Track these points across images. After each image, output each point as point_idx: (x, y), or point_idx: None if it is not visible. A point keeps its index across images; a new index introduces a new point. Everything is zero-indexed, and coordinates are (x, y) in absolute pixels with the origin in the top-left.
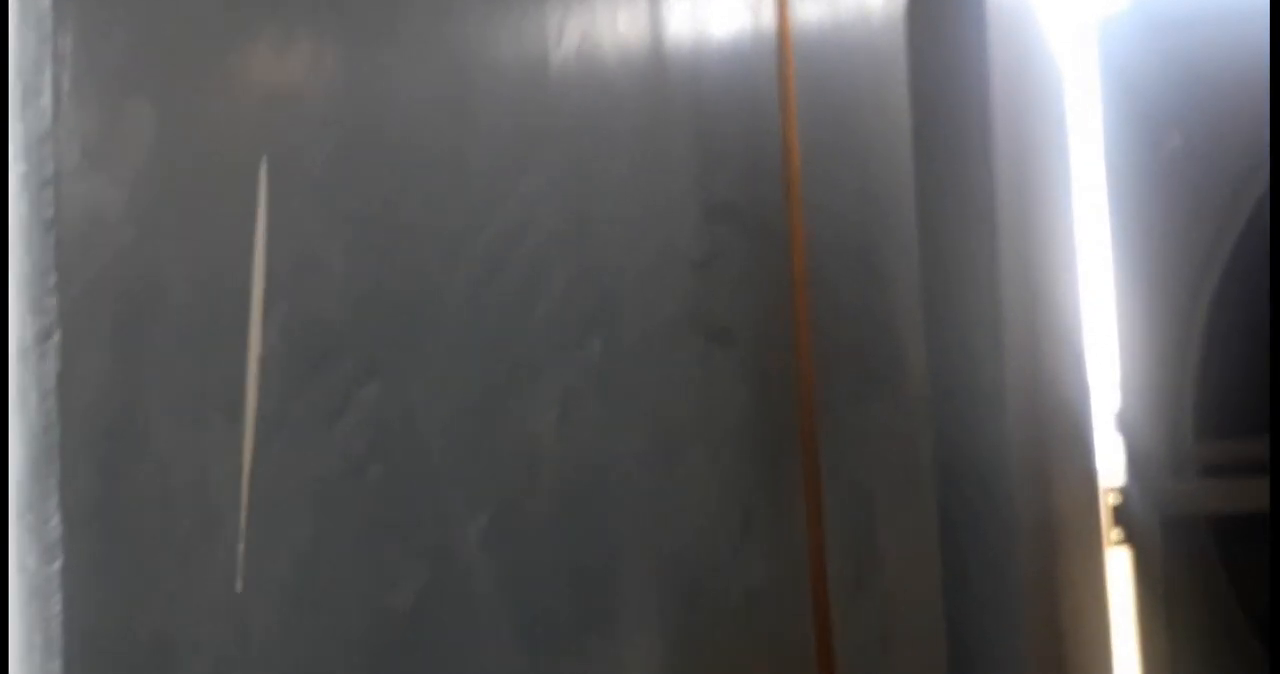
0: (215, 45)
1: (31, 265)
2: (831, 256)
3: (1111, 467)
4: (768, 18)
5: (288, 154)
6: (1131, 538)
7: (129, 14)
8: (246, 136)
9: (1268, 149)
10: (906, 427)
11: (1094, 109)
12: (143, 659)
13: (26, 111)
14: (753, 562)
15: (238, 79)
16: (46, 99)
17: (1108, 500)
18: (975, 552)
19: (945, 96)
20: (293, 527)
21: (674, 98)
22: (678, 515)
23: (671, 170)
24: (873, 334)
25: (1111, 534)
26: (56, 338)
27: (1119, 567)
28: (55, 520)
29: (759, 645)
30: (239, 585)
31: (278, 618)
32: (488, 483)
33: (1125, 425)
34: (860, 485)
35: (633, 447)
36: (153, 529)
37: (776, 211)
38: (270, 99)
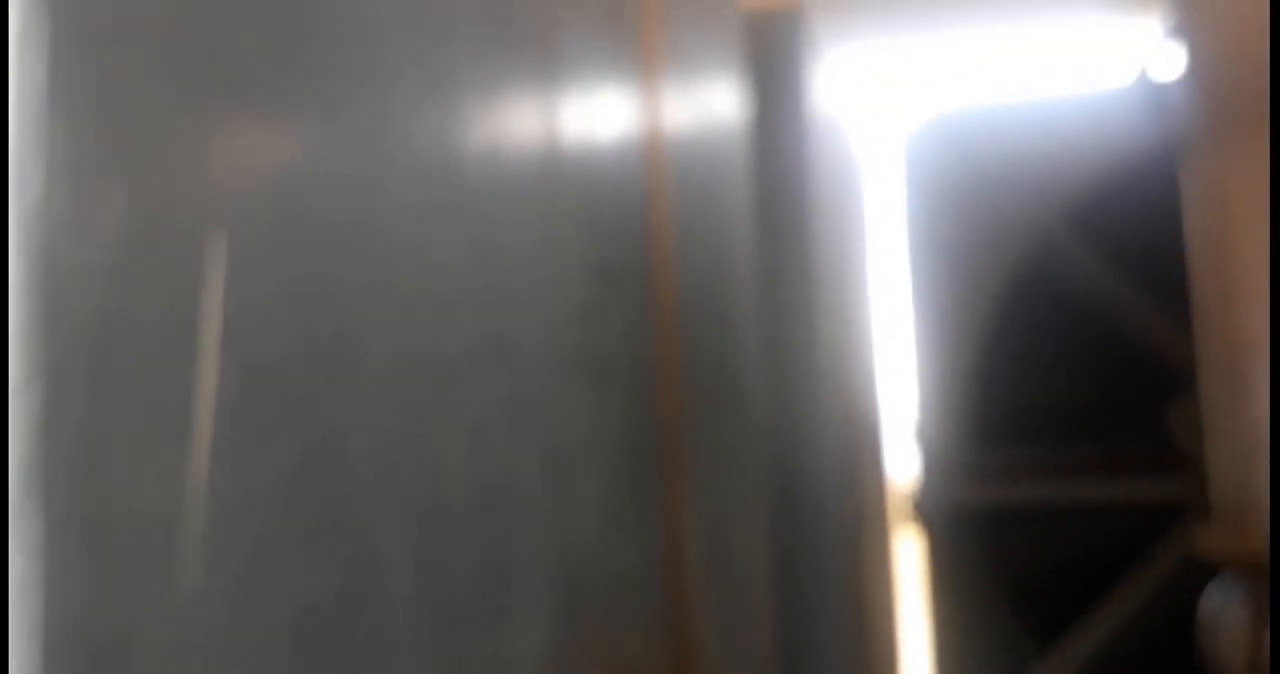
0: (179, 135)
1: (24, 316)
2: (692, 310)
3: (907, 471)
4: (644, 121)
5: (239, 224)
6: (920, 524)
7: (108, 107)
8: (204, 209)
9: (1038, 221)
10: (748, 443)
11: (899, 194)
12: (103, 653)
13: (24, 189)
14: (624, 553)
15: (197, 162)
16: (40, 178)
17: (903, 497)
18: (800, 538)
19: (781, 187)
20: (238, 531)
21: (565, 182)
22: (565, 520)
23: (563, 240)
24: (723, 371)
25: (905, 523)
26: (43, 379)
27: (911, 548)
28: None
29: (630, 622)
30: (191, 584)
31: (224, 613)
32: (406, 498)
33: (920, 438)
34: (711, 490)
35: (529, 467)
36: (120, 534)
37: (649, 274)
38: (224, 178)
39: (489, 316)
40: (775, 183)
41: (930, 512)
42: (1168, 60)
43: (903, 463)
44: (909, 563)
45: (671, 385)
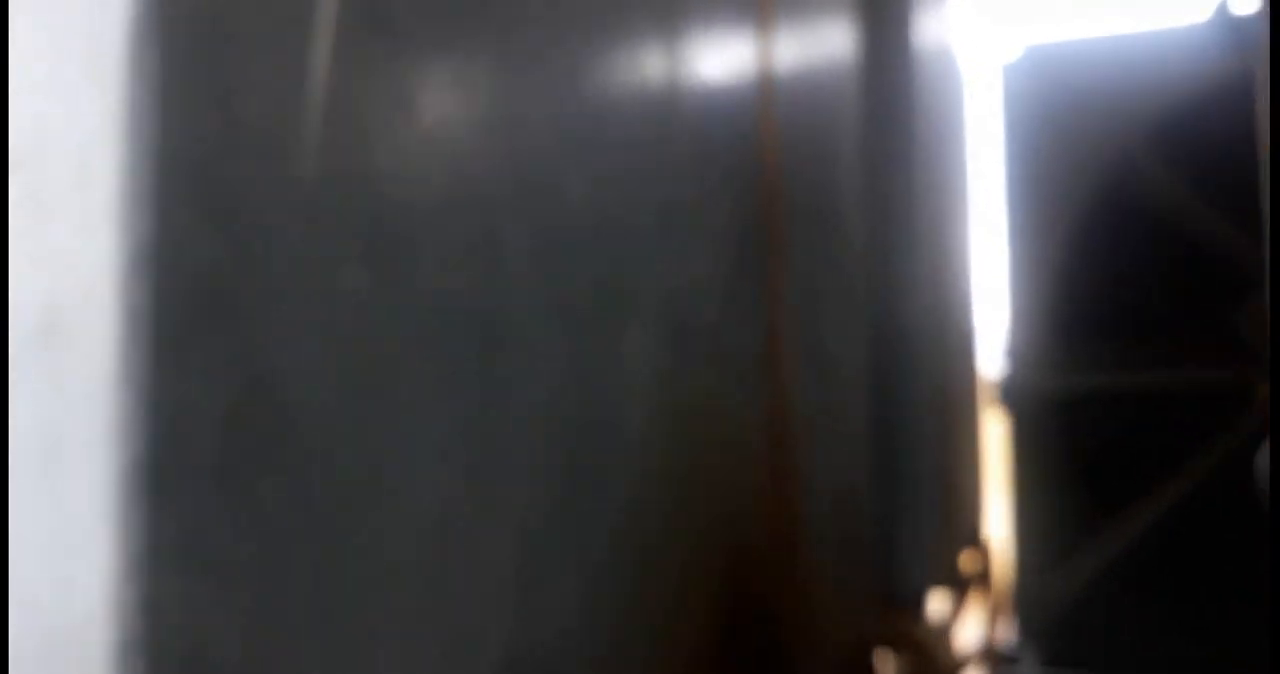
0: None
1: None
2: (807, 223)
3: (996, 360)
4: (758, 56)
5: (396, 154)
6: (1005, 409)
7: None
8: (363, 132)
9: (1131, 150)
10: (856, 322)
11: (996, 125)
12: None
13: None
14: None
15: (363, 97)
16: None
17: (990, 384)
18: (892, 410)
19: (887, 117)
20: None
21: (687, 112)
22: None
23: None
24: (836, 268)
25: (991, 407)
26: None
27: (995, 429)
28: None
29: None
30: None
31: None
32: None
33: (1009, 333)
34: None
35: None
36: None
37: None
38: (385, 114)
39: (609, 246)
40: (883, 107)
41: (1014, 398)
42: None
43: (992, 353)
44: (995, 444)
45: (780, 276)
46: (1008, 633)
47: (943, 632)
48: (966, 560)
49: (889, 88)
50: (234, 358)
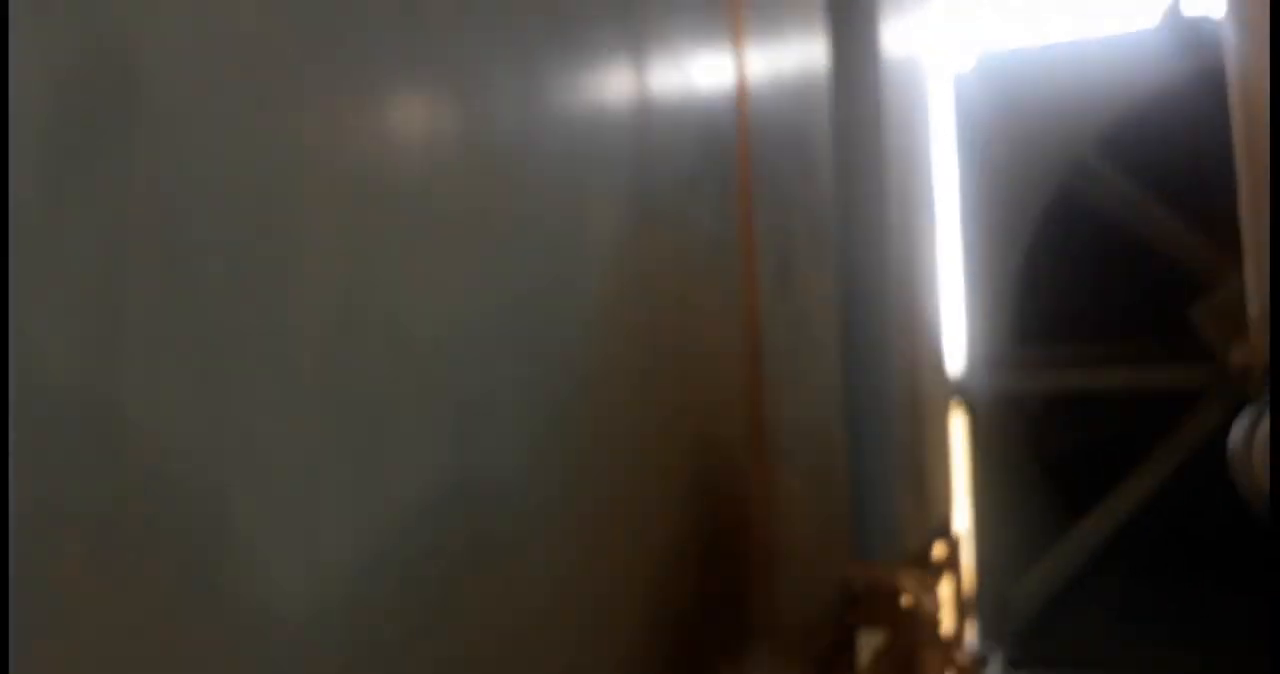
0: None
1: None
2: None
3: (958, 363)
4: (732, 73)
5: (422, 166)
6: (968, 408)
7: None
8: (395, 154)
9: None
10: (826, 336)
11: (951, 133)
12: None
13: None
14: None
15: (392, 123)
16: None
17: (953, 383)
18: (864, 408)
19: (855, 125)
20: None
21: (689, 122)
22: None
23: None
24: (800, 247)
25: (955, 406)
26: None
27: (958, 426)
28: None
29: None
30: None
31: None
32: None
33: (969, 335)
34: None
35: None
36: None
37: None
38: (414, 134)
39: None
40: (851, 120)
41: (974, 397)
42: None
43: (954, 355)
44: (956, 434)
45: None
46: (973, 629)
47: (920, 587)
48: (938, 547)
49: (857, 99)
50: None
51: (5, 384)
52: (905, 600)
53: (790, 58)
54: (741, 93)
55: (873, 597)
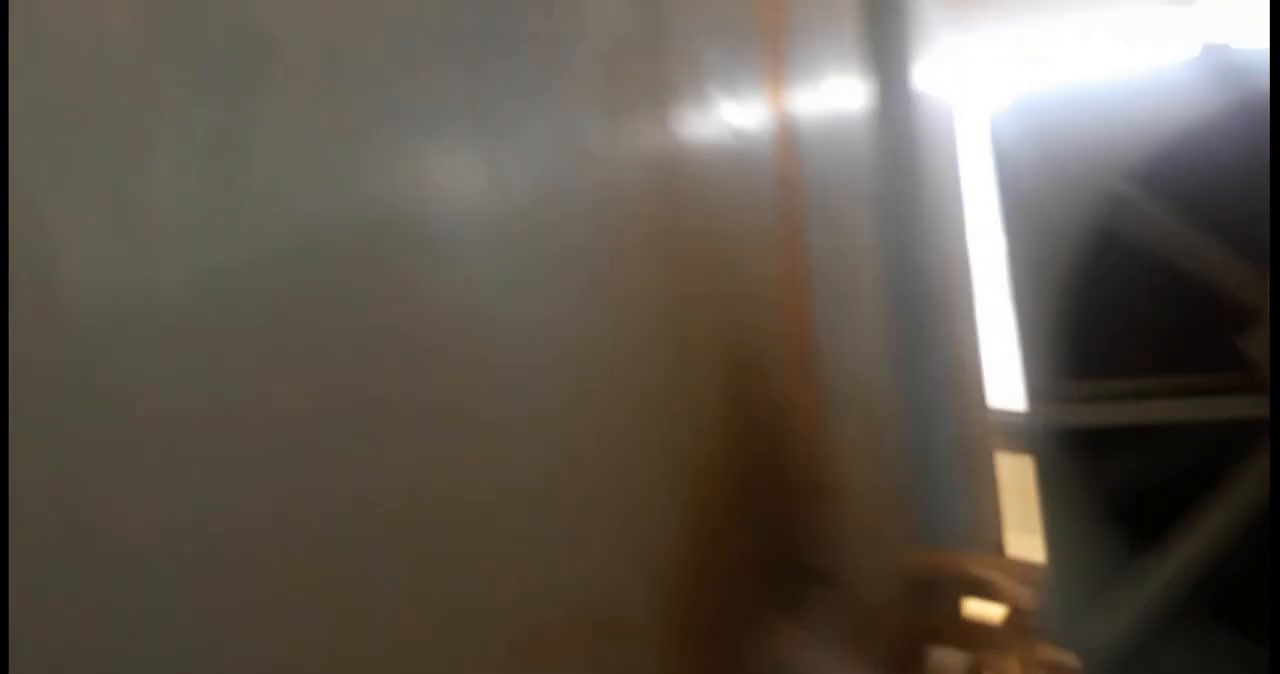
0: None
1: None
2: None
3: (1010, 398)
4: (772, 118)
5: (464, 222)
6: (1022, 447)
7: None
8: (424, 208)
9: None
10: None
11: (989, 173)
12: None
13: None
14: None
15: (426, 177)
16: None
17: (1006, 422)
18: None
19: (898, 166)
20: None
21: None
22: None
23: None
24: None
25: (1007, 444)
26: None
27: (1014, 467)
28: None
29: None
30: None
31: None
32: None
33: (1022, 371)
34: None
35: None
36: None
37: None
38: (446, 188)
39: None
40: (892, 158)
41: (1029, 436)
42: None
43: (1005, 393)
44: (1011, 476)
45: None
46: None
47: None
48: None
49: (897, 136)
50: None
51: (5, 385)
52: (995, 595)
53: (828, 99)
54: (783, 136)
55: (955, 605)
